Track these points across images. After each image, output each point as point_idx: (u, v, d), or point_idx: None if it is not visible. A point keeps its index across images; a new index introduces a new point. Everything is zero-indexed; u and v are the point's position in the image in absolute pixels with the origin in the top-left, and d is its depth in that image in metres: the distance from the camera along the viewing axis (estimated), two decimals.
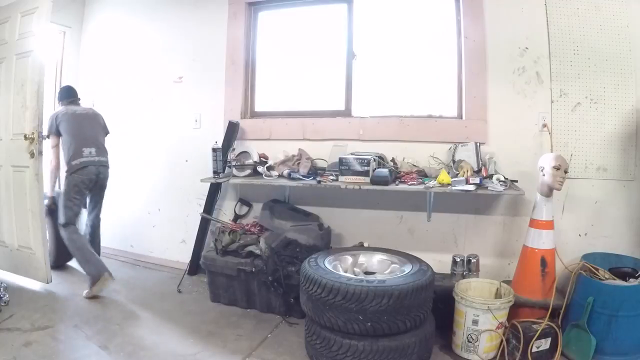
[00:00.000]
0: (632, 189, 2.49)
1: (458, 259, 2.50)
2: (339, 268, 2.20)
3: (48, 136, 2.92)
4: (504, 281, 2.37)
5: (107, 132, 3.20)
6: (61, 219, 2.88)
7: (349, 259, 2.35)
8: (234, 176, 2.82)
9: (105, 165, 3.04)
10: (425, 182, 2.46)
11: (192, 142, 3.35)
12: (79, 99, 3.16)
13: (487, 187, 2.32)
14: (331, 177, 2.60)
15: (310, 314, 2.06)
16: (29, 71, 2.77)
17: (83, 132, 2.96)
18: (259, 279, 2.59)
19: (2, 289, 2.62)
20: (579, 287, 2.17)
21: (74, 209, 2.90)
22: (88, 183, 2.93)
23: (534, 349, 2.04)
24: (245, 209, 3.22)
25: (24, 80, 2.80)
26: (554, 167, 2.20)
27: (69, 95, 3.10)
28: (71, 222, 2.90)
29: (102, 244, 3.27)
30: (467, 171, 2.48)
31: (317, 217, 2.95)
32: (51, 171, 3.00)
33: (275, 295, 2.57)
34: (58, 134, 2.94)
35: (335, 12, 3.09)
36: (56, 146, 2.97)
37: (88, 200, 3.12)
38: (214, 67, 3.26)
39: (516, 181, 2.51)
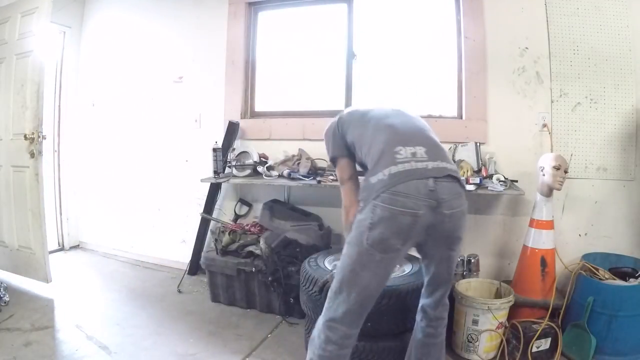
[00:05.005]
0: (632, 189, 2.49)
1: (458, 259, 2.50)
2: None
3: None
4: (504, 281, 2.37)
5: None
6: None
7: None
8: (234, 176, 2.82)
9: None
10: None
11: (192, 142, 3.35)
12: None
13: (487, 187, 2.32)
14: (331, 177, 2.60)
15: (310, 314, 2.06)
16: (29, 71, 2.77)
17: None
18: (259, 279, 2.59)
19: (2, 289, 2.62)
20: (579, 287, 2.17)
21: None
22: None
23: (534, 349, 2.04)
24: (245, 209, 3.21)
25: (24, 80, 2.79)
26: (554, 167, 2.20)
27: None
28: None
29: (102, 244, 3.23)
30: (467, 171, 2.47)
31: (317, 217, 2.94)
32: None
33: (275, 295, 2.57)
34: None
35: (335, 12, 3.08)
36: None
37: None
38: (213, 67, 3.25)
39: (516, 181, 2.51)
